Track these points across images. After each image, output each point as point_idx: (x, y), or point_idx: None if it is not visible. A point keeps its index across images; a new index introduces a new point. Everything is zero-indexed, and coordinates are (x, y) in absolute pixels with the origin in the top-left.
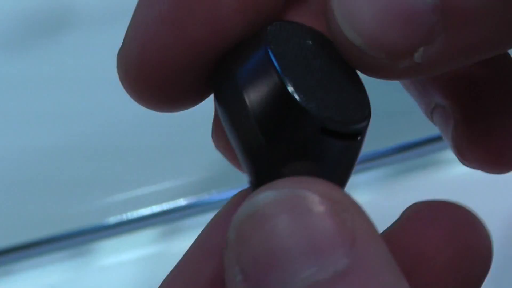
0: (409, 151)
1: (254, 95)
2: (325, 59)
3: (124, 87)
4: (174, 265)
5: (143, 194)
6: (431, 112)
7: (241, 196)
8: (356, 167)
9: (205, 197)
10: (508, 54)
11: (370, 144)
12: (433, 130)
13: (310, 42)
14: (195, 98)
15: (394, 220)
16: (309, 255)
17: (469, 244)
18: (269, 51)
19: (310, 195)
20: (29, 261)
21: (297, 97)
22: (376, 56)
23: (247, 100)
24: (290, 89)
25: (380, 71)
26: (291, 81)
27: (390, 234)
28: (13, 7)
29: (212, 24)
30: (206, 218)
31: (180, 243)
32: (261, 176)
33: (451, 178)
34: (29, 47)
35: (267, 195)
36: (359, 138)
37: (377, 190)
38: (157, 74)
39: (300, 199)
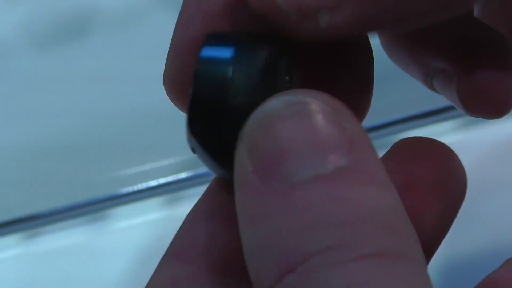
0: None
1: None
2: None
3: (171, 100)
4: (178, 227)
5: (151, 168)
6: (431, 80)
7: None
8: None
9: (202, 170)
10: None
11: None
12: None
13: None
14: None
15: None
16: (312, 153)
17: (449, 172)
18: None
19: (314, 102)
20: (53, 225)
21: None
22: (288, 11)
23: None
24: None
25: (289, 28)
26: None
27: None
28: (43, 10)
29: None
30: (203, 189)
31: (182, 209)
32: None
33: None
34: (56, 47)
35: (274, 103)
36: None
37: None
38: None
39: (305, 105)
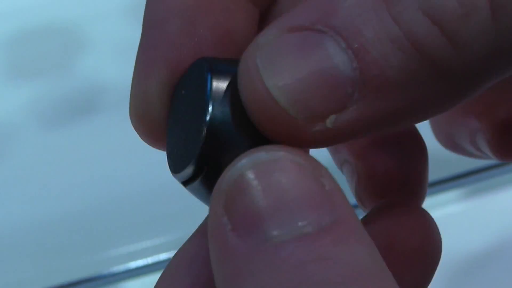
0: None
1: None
2: (188, 101)
3: (137, 132)
4: None
5: (160, 243)
6: (340, 167)
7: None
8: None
9: None
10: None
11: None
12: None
13: (183, 92)
14: None
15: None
16: (293, 212)
17: (428, 236)
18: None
19: (286, 159)
20: None
21: (168, 157)
22: (295, 116)
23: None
24: (168, 155)
25: (293, 132)
26: (169, 145)
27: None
28: (49, 90)
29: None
30: None
31: None
32: None
33: None
34: (62, 125)
35: (245, 161)
36: (196, 180)
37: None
38: (149, 126)
39: (277, 163)
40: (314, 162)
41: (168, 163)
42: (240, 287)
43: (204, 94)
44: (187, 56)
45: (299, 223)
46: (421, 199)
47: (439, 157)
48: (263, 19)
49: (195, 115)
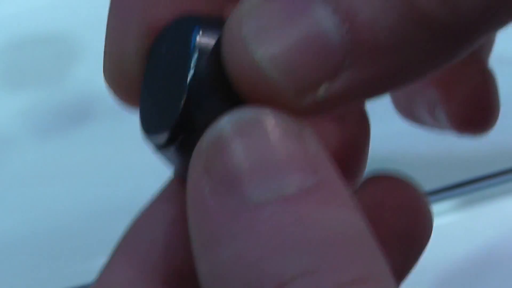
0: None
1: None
2: (167, 62)
3: (111, 90)
4: None
5: None
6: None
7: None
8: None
9: None
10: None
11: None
12: None
13: (164, 50)
14: None
15: None
16: (274, 173)
17: (417, 218)
18: (145, 71)
19: (269, 119)
20: None
21: (140, 124)
22: (286, 88)
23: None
24: (141, 116)
25: (285, 104)
26: (142, 105)
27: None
28: (44, 98)
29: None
30: None
31: None
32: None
33: None
34: (57, 134)
35: (225, 122)
36: (173, 143)
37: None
38: (125, 84)
39: (259, 123)
40: (298, 124)
41: (141, 124)
42: (218, 251)
43: (187, 56)
44: (166, 12)
45: (280, 185)
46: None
47: (435, 166)
48: None
49: (175, 75)
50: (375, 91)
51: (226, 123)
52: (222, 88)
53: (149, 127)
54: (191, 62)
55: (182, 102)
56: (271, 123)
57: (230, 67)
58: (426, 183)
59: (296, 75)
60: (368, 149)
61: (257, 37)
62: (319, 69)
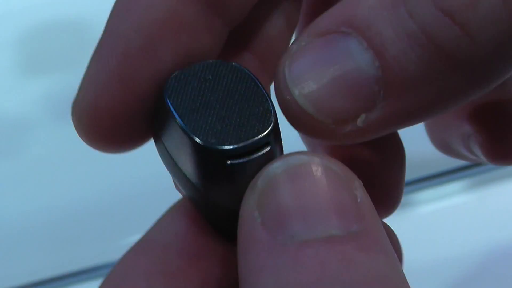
0: None
1: (172, 146)
2: (223, 88)
3: (77, 132)
4: None
5: None
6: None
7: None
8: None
9: None
10: None
11: None
12: None
13: (210, 77)
14: (137, 141)
15: None
16: (324, 215)
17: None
18: (168, 102)
19: (319, 164)
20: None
21: (198, 140)
22: (324, 121)
23: (170, 152)
24: (191, 133)
25: (325, 135)
26: (190, 125)
27: None
28: (64, 83)
29: (155, 79)
30: None
31: None
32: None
33: None
34: (53, 126)
35: (278, 164)
36: (269, 146)
37: None
38: (106, 122)
39: (308, 167)
40: (350, 173)
41: (204, 139)
42: (262, 279)
43: (255, 85)
44: (144, 78)
45: (328, 227)
46: None
47: None
48: (235, 37)
49: (246, 99)
50: (409, 119)
51: (279, 165)
52: None
53: (223, 139)
54: (263, 90)
55: (273, 111)
56: (318, 170)
57: (278, 103)
58: (438, 165)
59: (331, 109)
60: (404, 174)
61: (295, 75)
62: (356, 101)
